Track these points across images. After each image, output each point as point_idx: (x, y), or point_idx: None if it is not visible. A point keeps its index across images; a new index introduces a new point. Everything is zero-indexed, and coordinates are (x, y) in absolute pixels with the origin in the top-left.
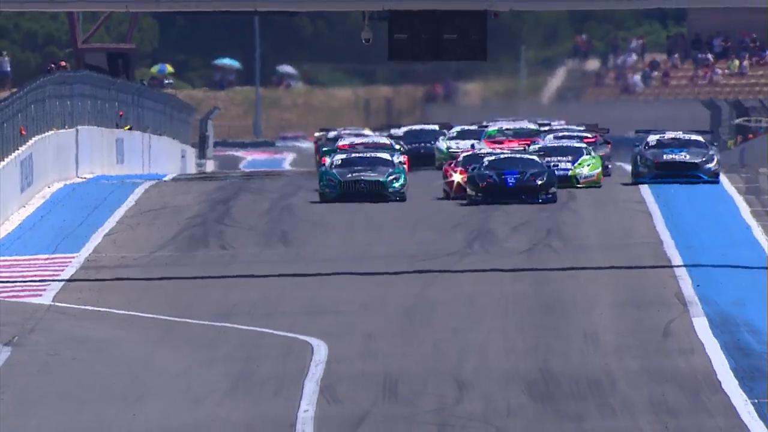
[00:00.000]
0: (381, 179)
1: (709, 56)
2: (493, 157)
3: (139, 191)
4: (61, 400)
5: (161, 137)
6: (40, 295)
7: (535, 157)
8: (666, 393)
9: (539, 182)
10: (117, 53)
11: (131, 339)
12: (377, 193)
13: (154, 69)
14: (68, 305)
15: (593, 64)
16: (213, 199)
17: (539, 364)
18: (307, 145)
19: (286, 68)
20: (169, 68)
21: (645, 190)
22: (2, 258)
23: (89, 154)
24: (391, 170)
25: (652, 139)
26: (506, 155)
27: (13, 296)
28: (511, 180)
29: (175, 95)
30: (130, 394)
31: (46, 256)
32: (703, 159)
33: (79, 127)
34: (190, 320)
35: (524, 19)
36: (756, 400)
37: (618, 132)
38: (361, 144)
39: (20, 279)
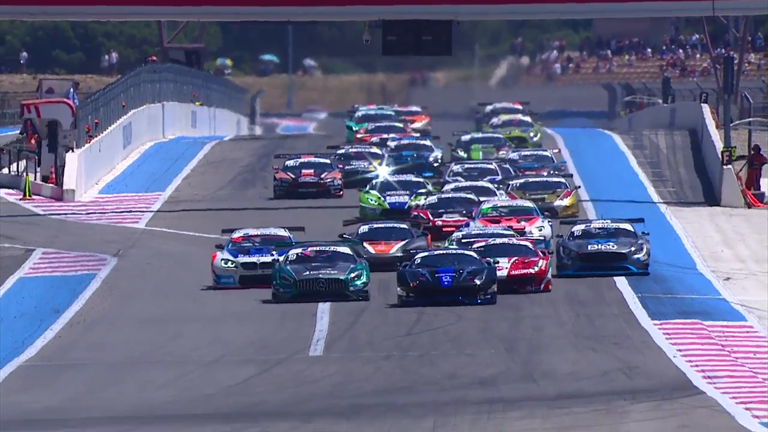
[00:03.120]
0: (341, 277)
1: (608, 52)
2: (425, 254)
3: (207, 148)
4: (152, 295)
5: (222, 110)
6: (137, 222)
7: (473, 254)
8: (577, 289)
9: (477, 281)
10: (191, 50)
11: (200, 253)
12: (337, 293)
13: (218, 62)
14: (157, 228)
15: (526, 59)
16: (258, 153)
17: None
18: (324, 115)
19: (310, 61)
20: (228, 61)
21: (559, 142)
22: (111, 195)
23: (172, 121)
24: (352, 266)
25: (578, 228)
26: (440, 251)
27: (119, 222)
28: (446, 279)
29: (232, 81)
30: (199, 290)
31: (141, 193)
32: (632, 249)
33: (164, 103)
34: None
35: (477, 26)
36: (640, 294)
37: (541, 107)
38: (257, 236)
39: (123, 210)
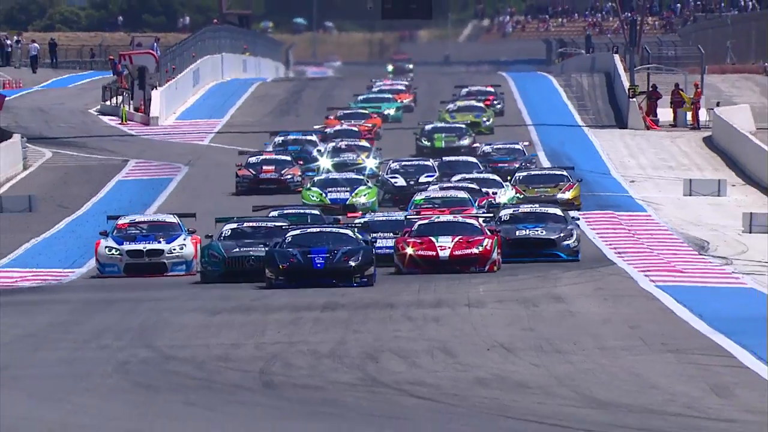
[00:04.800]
0: None
1: (546, 16)
2: (297, 232)
3: (253, 87)
4: (213, 194)
5: (265, 58)
6: (203, 140)
7: (349, 232)
8: None
9: (352, 263)
10: (242, 15)
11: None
12: None
13: (261, 24)
14: (217, 145)
15: (486, 21)
16: (291, 91)
17: None
18: (340, 64)
19: (329, 23)
20: (270, 23)
21: (510, 83)
22: (184, 121)
23: (228, 67)
24: None
25: (505, 213)
26: (314, 229)
27: (190, 140)
28: (318, 260)
29: (272, 37)
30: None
31: (205, 120)
32: (561, 235)
33: (223, 53)
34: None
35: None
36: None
37: (495, 57)
38: (144, 222)
39: (193, 132)
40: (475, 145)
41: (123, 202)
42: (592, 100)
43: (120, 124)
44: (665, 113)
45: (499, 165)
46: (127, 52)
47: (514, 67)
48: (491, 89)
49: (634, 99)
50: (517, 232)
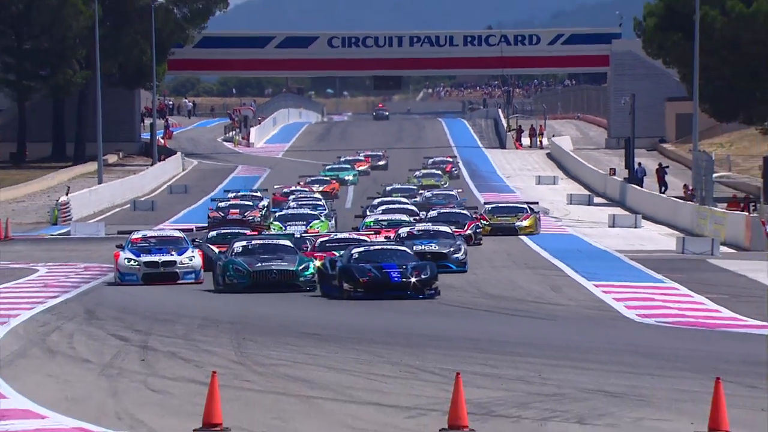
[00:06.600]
0: (292, 268)
1: (462, 88)
2: (362, 249)
3: (305, 127)
4: (285, 181)
5: (311, 111)
6: (279, 155)
7: (405, 249)
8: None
9: (423, 276)
10: (299, 87)
11: (303, 168)
12: (289, 283)
13: (309, 92)
14: (286, 158)
15: (430, 90)
16: (324, 128)
17: None
18: (351, 114)
19: (345, 93)
20: (313, 92)
21: (443, 124)
22: (268, 144)
23: (291, 116)
24: (299, 258)
25: (403, 231)
26: (376, 246)
27: (271, 155)
28: (395, 275)
29: (314, 100)
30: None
31: (279, 144)
32: (452, 249)
33: (289, 108)
34: (320, 161)
35: (411, 77)
36: (476, 183)
37: (435, 110)
38: (154, 237)
39: (273, 151)
40: (415, 198)
41: (235, 186)
42: (486, 133)
43: (233, 146)
44: (526, 141)
45: (436, 207)
46: (237, 108)
47: (445, 115)
48: (450, 159)
49: (509, 133)
50: (415, 247)
